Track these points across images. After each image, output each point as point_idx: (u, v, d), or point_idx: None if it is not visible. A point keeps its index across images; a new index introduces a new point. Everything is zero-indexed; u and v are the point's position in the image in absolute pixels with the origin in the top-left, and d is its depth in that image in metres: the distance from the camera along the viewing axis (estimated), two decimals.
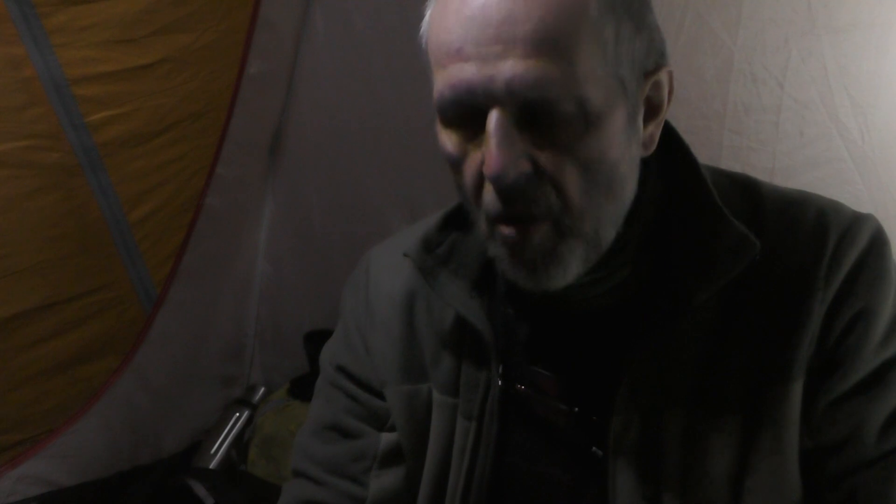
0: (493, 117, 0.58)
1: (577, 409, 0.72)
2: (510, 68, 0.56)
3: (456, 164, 0.64)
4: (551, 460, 0.74)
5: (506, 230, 0.63)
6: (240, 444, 1.94)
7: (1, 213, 1.35)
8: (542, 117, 0.58)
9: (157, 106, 1.53)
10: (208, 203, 1.74)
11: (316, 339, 1.98)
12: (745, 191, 0.72)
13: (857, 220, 0.68)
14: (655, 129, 0.67)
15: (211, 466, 1.87)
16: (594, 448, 0.71)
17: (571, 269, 0.63)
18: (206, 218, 1.75)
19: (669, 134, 0.72)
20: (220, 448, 1.90)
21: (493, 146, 0.58)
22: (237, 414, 1.97)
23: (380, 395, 0.83)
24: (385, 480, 0.82)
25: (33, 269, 1.43)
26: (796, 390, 0.66)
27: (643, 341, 0.67)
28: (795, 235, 0.68)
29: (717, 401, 0.67)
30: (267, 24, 1.67)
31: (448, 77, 0.59)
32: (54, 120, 1.37)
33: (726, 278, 0.65)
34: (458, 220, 0.76)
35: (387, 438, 0.83)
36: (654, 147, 0.67)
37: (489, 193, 0.62)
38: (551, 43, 0.56)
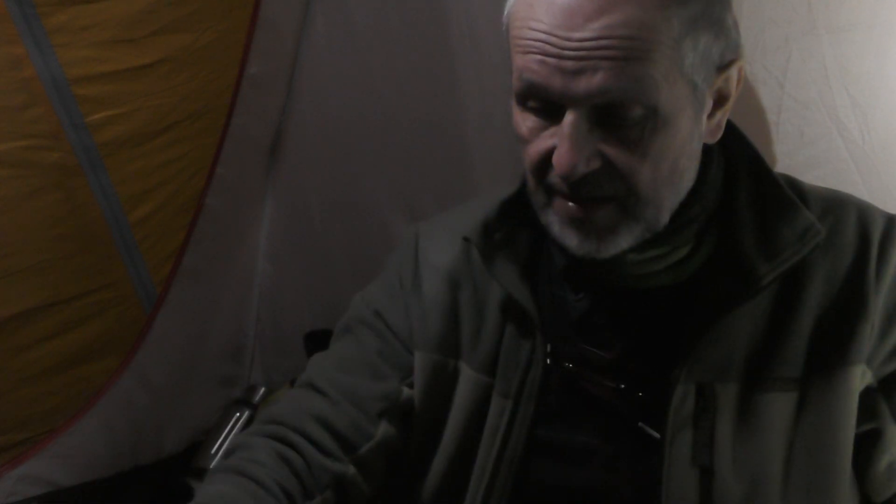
0: (569, 119, 0.63)
1: (623, 385, 0.76)
2: (589, 76, 0.60)
3: (525, 141, 0.69)
4: (591, 433, 0.77)
5: (570, 205, 0.68)
6: None
7: (1, 213, 1.35)
8: (615, 119, 0.63)
9: (157, 106, 1.52)
10: (208, 203, 1.74)
11: (316, 339, 1.97)
12: (791, 187, 0.76)
13: (891, 222, 0.74)
14: (722, 117, 0.72)
15: (211, 466, 1.87)
16: (640, 423, 0.74)
17: (623, 244, 0.69)
18: (206, 218, 1.75)
19: (728, 124, 0.76)
20: (220, 448, 1.89)
21: (566, 146, 0.63)
22: (237, 414, 1.96)
23: (409, 351, 0.87)
24: (391, 431, 0.84)
25: (33, 269, 1.42)
26: (854, 374, 0.70)
27: (710, 319, 0.71)
28: (842, 231, 0.73)
29: (772, 380, 0.71)
30: (267, 24, 1.67)
31: (530, 70, 0.64)
32: (54, 120, 1.37)
33: (793, 261, 0.70)
34: (513, 208, 0.82)
35: (407, 393, 0.86)
36: (720, 134, 0.72)
37: (556, 175, 0.66)
38: (631, 56, 0.60)
